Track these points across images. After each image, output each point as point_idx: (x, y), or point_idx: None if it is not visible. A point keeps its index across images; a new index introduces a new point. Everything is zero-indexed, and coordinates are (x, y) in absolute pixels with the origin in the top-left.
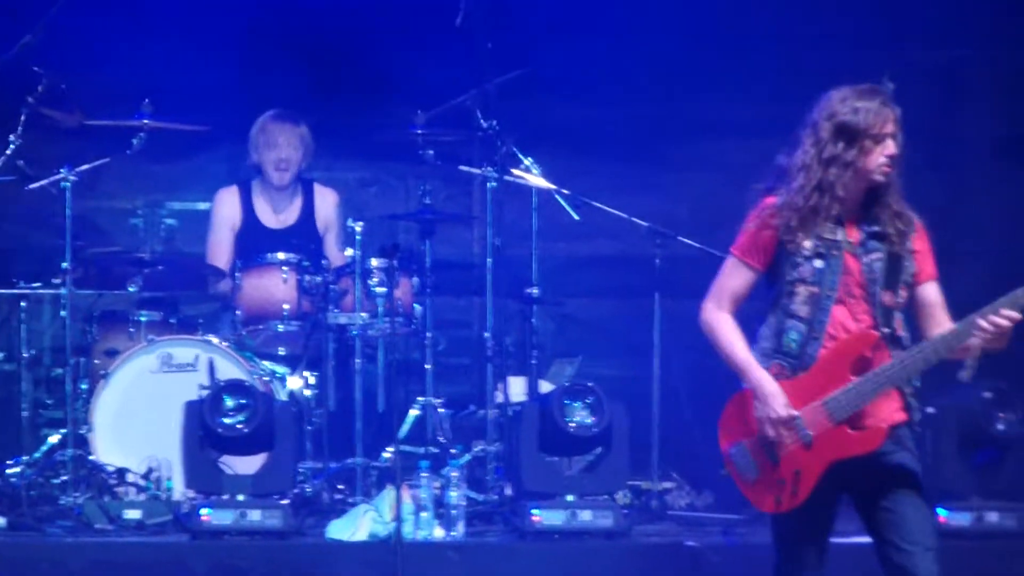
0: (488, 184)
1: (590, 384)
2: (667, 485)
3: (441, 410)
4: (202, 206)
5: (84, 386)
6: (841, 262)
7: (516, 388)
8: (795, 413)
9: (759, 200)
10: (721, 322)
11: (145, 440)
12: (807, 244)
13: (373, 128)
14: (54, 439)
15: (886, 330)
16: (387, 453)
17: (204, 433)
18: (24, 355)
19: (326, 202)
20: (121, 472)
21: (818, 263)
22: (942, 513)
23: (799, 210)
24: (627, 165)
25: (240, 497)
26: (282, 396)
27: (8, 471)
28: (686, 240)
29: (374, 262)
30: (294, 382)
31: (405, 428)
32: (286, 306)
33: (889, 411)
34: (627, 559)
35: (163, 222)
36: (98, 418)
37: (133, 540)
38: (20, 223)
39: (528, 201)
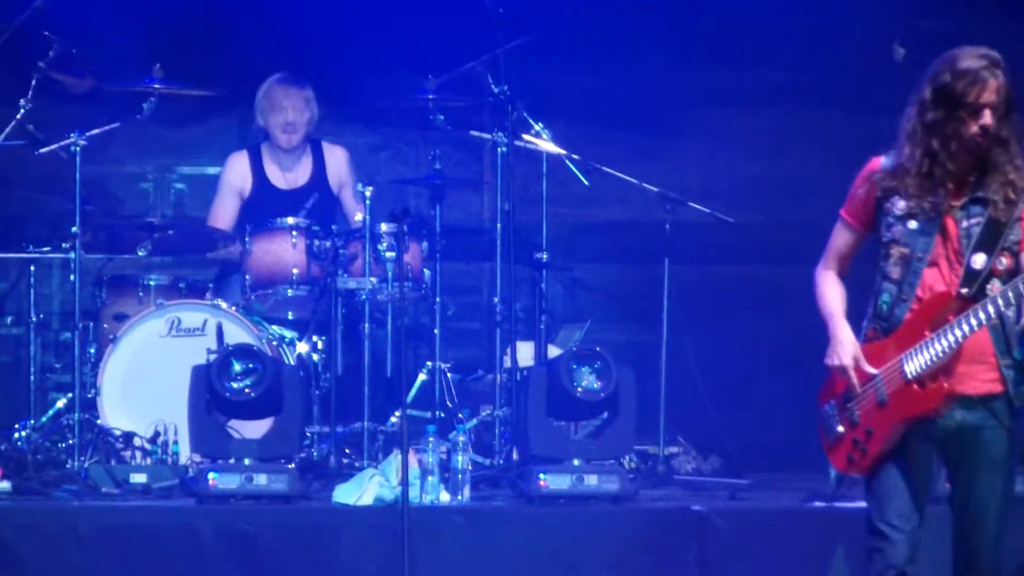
0: (499, 149)
1: (598, 349)
2: (673, 450)
3: (449, 375)
4: (212, 171)
5: (92, 350)
6: (938, 225)
7: (524, 353)
8: (874, 371)
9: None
10: (820, 277)
11: (152, 404)
12: (901, 204)
13: (383, 93)
14: (61, 403)
15: (964, 290)
16: (394, 418)
17: (211, 397)
18: (33, 319)
19: (336, 159)
20: (128, 436)
21: (912, 224)
22: None
23: (905, 173)
24: (637, 131)
25: (247, 461)
26: (290, 360)
27: (15, 435)
28: (696, 206)
29: (384, 227)
30: (302, 347)
31: (413, 392)
32: (295, 270)
33: (980, 380)
34: (633, 523)
35: (173, 187)
36: (106, 382)
37: (139, 504)
38: (30, 187)
39: (538, 167)
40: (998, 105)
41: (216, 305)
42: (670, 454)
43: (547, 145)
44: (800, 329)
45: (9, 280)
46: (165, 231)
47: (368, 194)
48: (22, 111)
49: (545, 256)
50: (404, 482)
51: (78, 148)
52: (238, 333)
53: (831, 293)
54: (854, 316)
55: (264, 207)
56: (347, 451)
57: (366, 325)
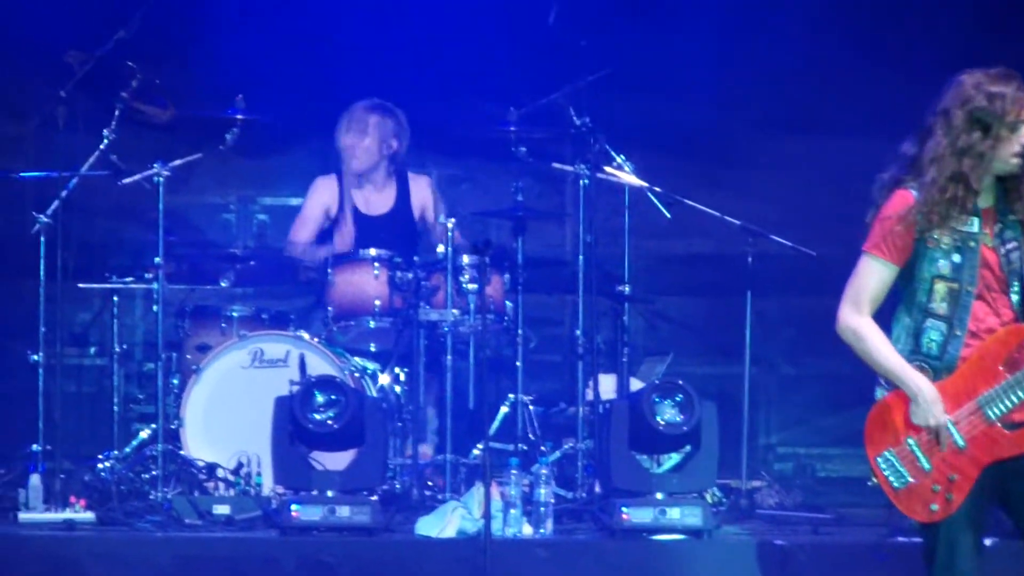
0: (580, 181)
1: (680, 382)
2: (756, 484)
3: (531, 407)
4: (294, 201)
5: (175, 381)
6: (978, 255)
7: (606, 386)
8: (948, 418)
9: (885, 192)
10: (864, 327)
11: (235, 435)
12: (945, 239)
13: (465, 125)
14: (144, 434)
15: None
16: (477, 450)
17: (294, 429)
18: (116, 350)
19: (420, 187)
20: (211, 467)
21: (956, 257)
22: None
23: (936, 204)
24: (718, 163)
25: (329, 493)
26: (372, 392)
27: (99, 465)
28: (778, 238)
29: (466, 259)
30: (384, 378)
31: (495, 425)
32: (377, 302)
33: None
34: (715, 557)
35: (255, 217)
36: (189, 413)
37: (222, 535)
38: (113, 218)
39: (620, 199)
40: None
41: (299, 336)
42: (752, 488)
43: (629, 177)
44: None
45: (92, 310)
46: (247, 262)
47: (450, 225)
48: (106, 141)
49: (627, 288)
50: (487, 515)
51: (161, 178)
52: (321, 364)
53: (885, 344)
54: None
55: (348, 231)
56: (430, 483)
57: (448, 357)
